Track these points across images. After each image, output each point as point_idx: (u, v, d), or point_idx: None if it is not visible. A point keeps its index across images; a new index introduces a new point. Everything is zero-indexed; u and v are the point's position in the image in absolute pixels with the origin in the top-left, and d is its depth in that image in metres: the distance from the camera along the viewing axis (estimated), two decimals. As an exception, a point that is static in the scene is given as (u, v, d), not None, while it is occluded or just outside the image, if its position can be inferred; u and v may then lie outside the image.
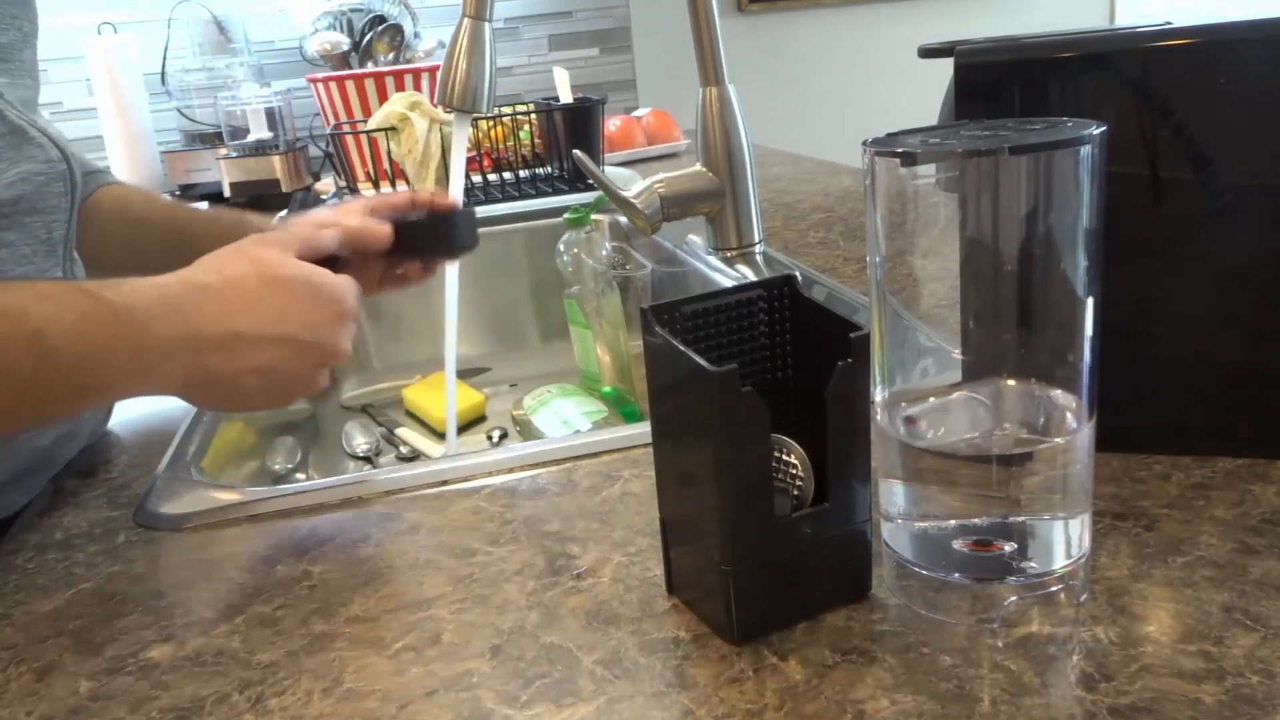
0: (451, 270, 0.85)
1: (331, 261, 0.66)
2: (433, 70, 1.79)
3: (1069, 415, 0.41)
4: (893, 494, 0.44)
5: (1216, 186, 0.50)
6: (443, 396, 1.11)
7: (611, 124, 1.81)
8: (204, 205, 1.30)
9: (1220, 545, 0.45)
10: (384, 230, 0.71)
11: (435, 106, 1.37)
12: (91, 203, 0.90)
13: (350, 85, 1.76)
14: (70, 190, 0.74)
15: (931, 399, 0.44)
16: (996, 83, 0.52)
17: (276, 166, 1.70)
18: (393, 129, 1.37)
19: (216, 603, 0.49)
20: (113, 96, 1.91)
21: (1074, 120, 0.40)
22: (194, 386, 0.58)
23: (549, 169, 1.56)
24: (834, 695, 0.38)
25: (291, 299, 0.59)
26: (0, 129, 0.67)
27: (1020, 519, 0.41)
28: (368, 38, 2.00)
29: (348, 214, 0.72)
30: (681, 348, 0.40)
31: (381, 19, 2.03)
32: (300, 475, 0.94)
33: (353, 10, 2.03)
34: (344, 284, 0.62)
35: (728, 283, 0.93)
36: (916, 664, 0.39)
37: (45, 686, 0.44)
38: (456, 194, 0.93)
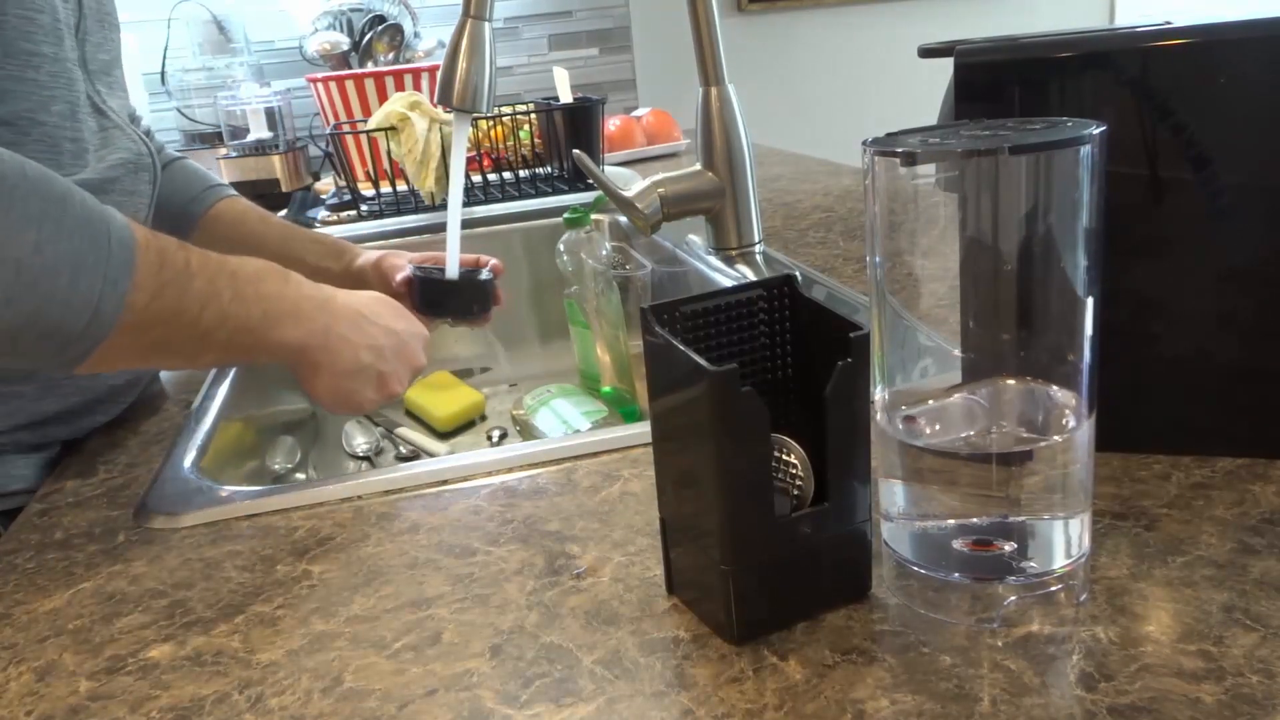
0: (456, 185, 0.94)
1: None
2: (433, 70, 1.79)
3: (1069, 415, 0.41)
4: (892, 494, 0.44)
5: (1216, 186, 0.50)
6: (443, 396, 1.12)
7: (611, 124, 1.81)
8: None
9: (1220, 545, 0.45)
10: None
11: (435, 106, 1.37)
12: (212, 214, 1.01)
13: (350, 85, 1.76)
14: (153, 180, 0.85)
15: (931, 399, 0.44)
16: (996, 83, 0.52)
17: (276, 166, 1.70)
18: (393, 129, 1.37)
19: (216, 603, 0.49)
20: (112, 96, 1.90)
21: (1074, 120, 0.40)
22: (327, 348, 0.70)
23: (549, 169, 1.56)
24: (834, 695, 0.38)
25: (394, 311, 0.78)
26: (105, 124, 0.80)
27: (1020, 519, 0.41)
28: (367, 37, 2.00)
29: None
30: (681, 347, 0.40)
31: (381, 19, 2.03)
32: (300, 475, 0.94)
33: (353, 10, 2.03)
34: (415, 319, 0.81)
35: (728, 283, 0.93)
36: (916, 664, 0.39)
37: (45, 686, 0.44)
38: (456, 194, 0.94)
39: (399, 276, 0.94)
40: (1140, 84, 0.50)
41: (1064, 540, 0.42)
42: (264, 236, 1.02)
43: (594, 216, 1.10)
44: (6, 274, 0.52)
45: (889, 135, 0.42)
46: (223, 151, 1.77)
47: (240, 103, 1.77)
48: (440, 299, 0.93)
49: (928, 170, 0.39)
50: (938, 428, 0.44)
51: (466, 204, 1.38)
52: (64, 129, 0.73)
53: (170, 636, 0.47)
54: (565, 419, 1.01)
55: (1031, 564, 0.41)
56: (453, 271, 0.94)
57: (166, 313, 0.60)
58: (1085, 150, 0.38)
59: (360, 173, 1.51)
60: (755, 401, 0.39)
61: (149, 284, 0.59)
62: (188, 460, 0.67)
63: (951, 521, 0.42)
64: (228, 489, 0.62)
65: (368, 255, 0.99)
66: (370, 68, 1.92)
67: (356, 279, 0.98)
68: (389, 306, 0.78)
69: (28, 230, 0.53)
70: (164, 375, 0.89)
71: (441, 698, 0.40)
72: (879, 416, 0.43)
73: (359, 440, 1.08)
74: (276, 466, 0.88)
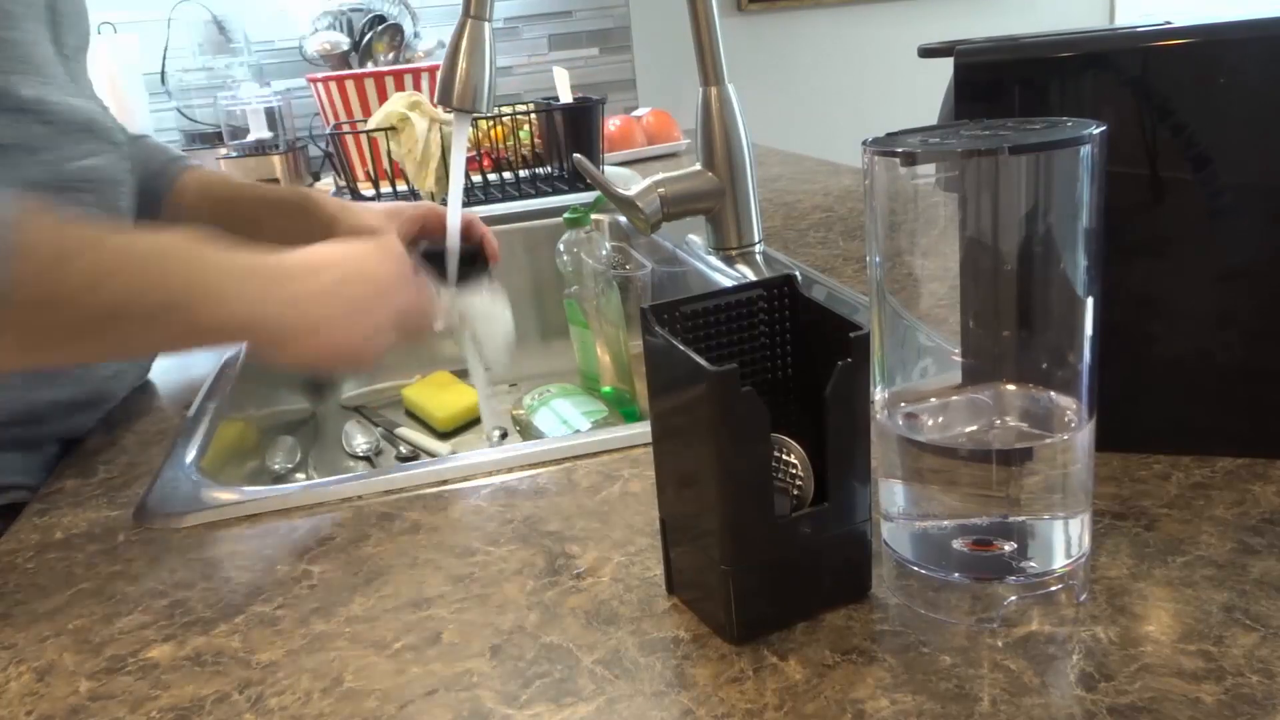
0: (456, 185, 0.92)
1: None
2: (433, 70, 1.79)
3: (1069, 415, 0.41)
4: (893, 493, 0.44)
5: (1216, 186, 0.50)
6: (443, 396, 1.12)
7: (611, 124, 1.81)
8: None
9: (1220, 545, 0.45)
10: None
11: (435, 106, 1.37)
12: (177, 188, 0.97)
13: (350, 85, 1.76)
14: (131, 170, 0.84)
15: (932, 398, 0.44)
16: (996, 83, 0.52)
17: (276, 166, 1.70)
18: (393, 129, 1.37)
19: (216, 603, 0.49)
20: (113, 96, 1.90)
21: (1074, 120, 0.40)
22: (294, 311, 0.62)
23: (549, 169, 1.56)
24: (834, 695, 0.38)
25: (375, 255, 0.68)
26: (73, 119, 0.77)
27: (1020, 518, 0.41)
28: (367, 37, 2.00)
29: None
30: (681, 347, 0.40)
31: (381, 19, 2.03)
32: (300, 475, 0.94)
33: (353, 10, 2.03)
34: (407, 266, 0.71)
35: (728, 282, 0.93)
36: (916, 664, 0.39)
37: (45, 686, 0.44)
38: (456, 194, 0.94)
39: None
40: (1140, 84, 0.50)
41: (1064, 540, 0.42)
42: (234, 201, 0.97)
43: (594, 216, 1.10)
44: None
45: (889, 135, 0.42)
46: (223, 151, 1.77)
47: (240, 103, 1.77)
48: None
49: (928, 170, 0.39)
50: (940, 421, 0.44)
51: (466, 204, 1.38)
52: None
53: (170, 636, 0.47)
54: (565, 419, 1.01)
55: (1031, 564, 0.41)
56: (452, 271, 0.94)
57: (49, 295, 0.53)
58: (1085, 150, 0.38)
59: (360, 173, 1.51)
60: (755, 401, 0.39)
61: (32, 259, 0.53)
62: (188, 460, 0.67)
63: (951, 521, 0.42)
64: (228, 489, 0.62)
65: (369, 221, 0.89)
66: (370, 68, 1.92)
67: (351, 230, 0.91)
68: (366, 253, 0.67)
69: None
70: (165, 373, 0.89)
71: (441, 698, 0.40)
72: (879, 416, 0.43)
73: (359, 440, 1.08)
74: (276, 466, 0.88)
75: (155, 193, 0.97)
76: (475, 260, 0.94)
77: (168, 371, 0.90)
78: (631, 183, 0.95)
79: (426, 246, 0.95)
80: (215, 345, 0.64)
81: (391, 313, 0.67)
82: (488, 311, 0.88)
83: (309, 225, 0.97)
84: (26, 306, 0.53)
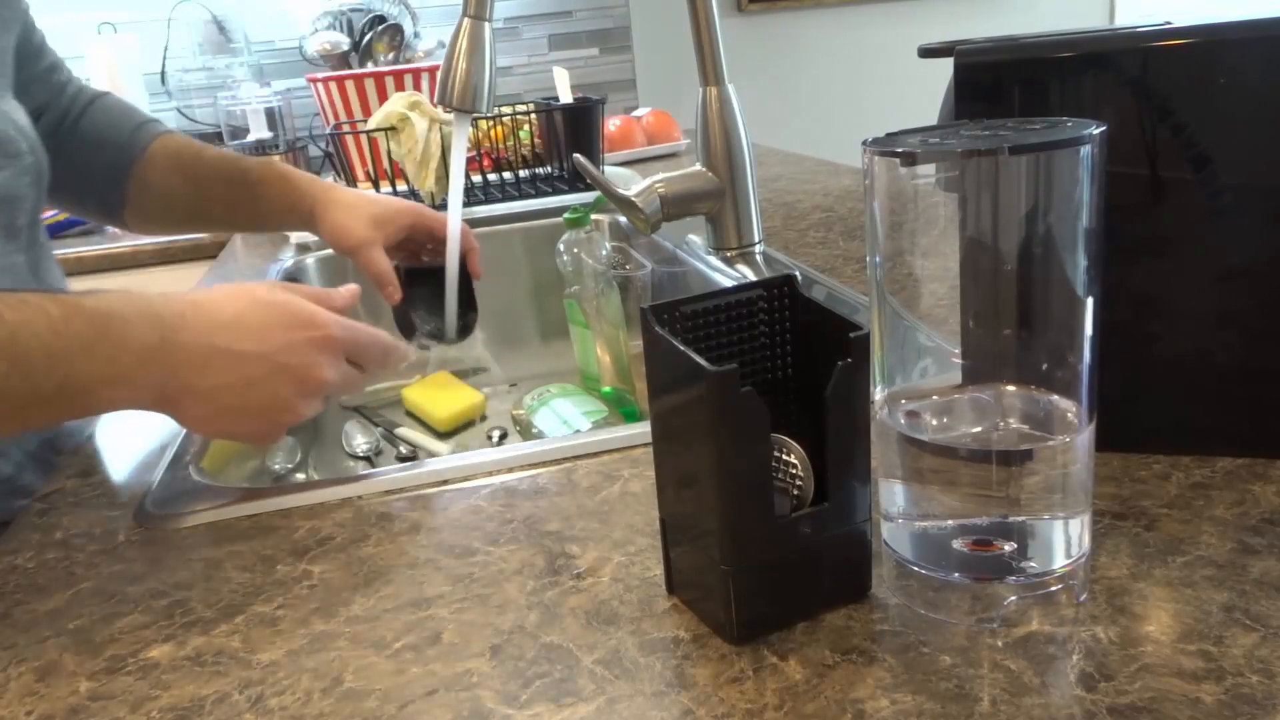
0: (456, 185, 0.93)
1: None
2: (433, 70, 1.79)
3: (1069, 415, 0.41)
4: (893, 493, 0.44)
5: (1216, 186, 0.50)
6: (443, 396, 1.12)
7: (611, 124, 1.81)
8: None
9: (1220, 545, 0.45)
10: (395, 296, 0.90)
11: (435, 106, 1.37)
12: (146, 159, 0.93)
13: (350, 85, 1.76)
14: (38, 180, 0.78)
15: (932, 398, 0.44)
16: (996, 83, 0.52)
17: (276, 166, 1.70)
18: (393, 129, 1.37)
19: (216, 603, 0.49)
20: (113, 96, 1.91)
21: (1074, 120, 0.40)
22: (174, 400, 0.59)
23: (549, 169, 1.56)
24: (834, 695, 0.38)
25: (270, 320, 0.61)
26: None
27: (1020, 519, 0.41)
28: (368, 37, 2.00)
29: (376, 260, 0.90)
30: (681, 347, 0.40)
31: (381, 19, 2.03)
32: (300, 475, 0.94)
33: (353, 10, 2.03)
34: (324, 315, 0.63)
35: (728, 283, 0.93)
36: (916, 664, 0.39)
37: (45, 686, 0.44)
38: (456, 194, 0.94)
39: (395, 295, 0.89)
40: (1140, 84, 0.50)
41: (1064, 540, 0.42)
42: (204, 182, 0.94)
43: (594, 216, 1.10)
44: None
45: (889, 135, 0.42)
46: (223, 151, 1.77)
47: (240, 103, 1.77)
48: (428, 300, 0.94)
49: (928, 170, 0.39)
50: (940, 421, 0.44)
51: (466, 204, 1.38)
52: None
53: (170, 636, 0.47)
54: (565, 419, 1.01)
55: (1031, 564, 0.41)
56: (453, 270, 0.94)
57: None
58: (1085, 150, 0.38)
59: (360, 173, 1.51)
60: (755, 401, 0.39)
61: None
62: (188, 460, 0.67)
63: (951, 521, 0.42)
64: (228, 489, 0.62)
65: (354, 232, 0.88)
66: (370, 68, 1.92)
67: (332, 235, 0.90)
68: (258, 314, 0.61)
69: None
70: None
71: (441, 698, 0.40)
72: (879, 416, 0.43)
73: (359, 440, 1.08)
74: (276, 466, 0.88)
75: (122, 164, 0.93)
76: (460, 274, 0.95)
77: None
78: (631, 183, 0.95)
79: (406, 265, 0.95)
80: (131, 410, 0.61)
81: (309, 390, 0.62)
82: (461, 352, 0.90)
83: (286, 209, 0.94)
84: None
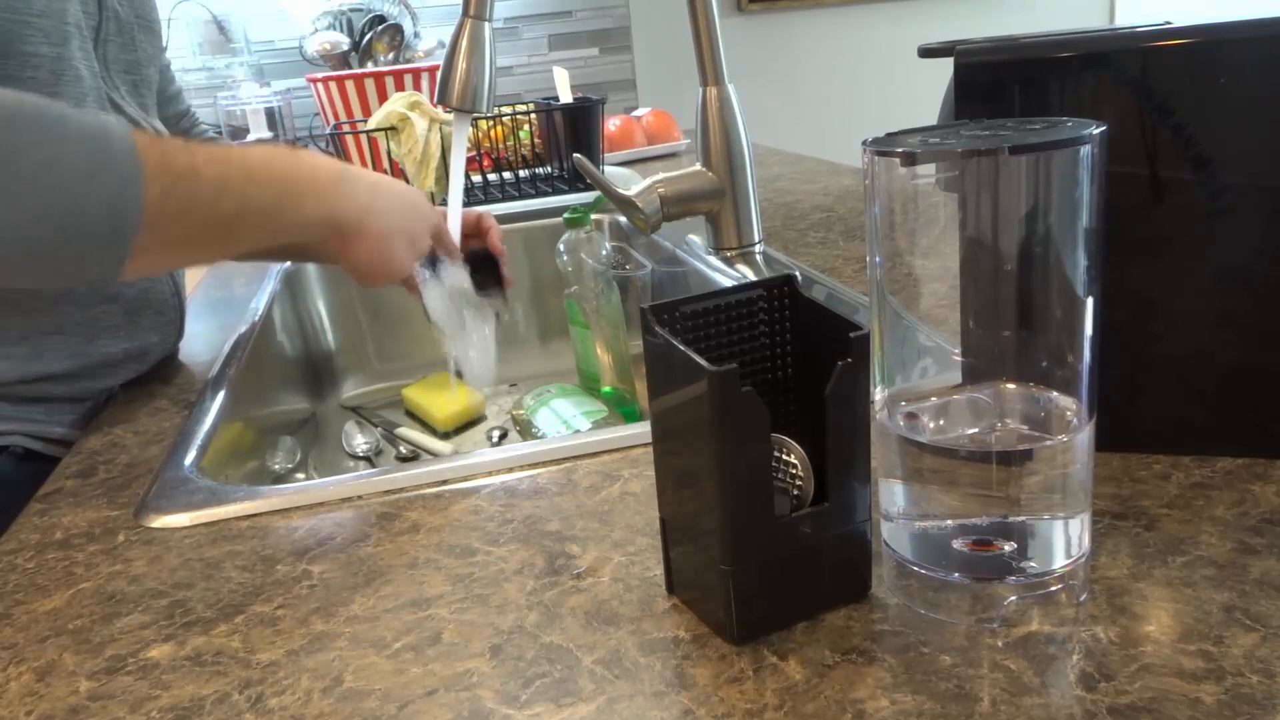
0: (456, 185, 0.99)
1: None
2: (433, 70, 1.79)
3: (1069, 415, 0.41)
4: (893, 493, 0.44)
5: (1216, 186, 0.50)
6: (442, 396, 1.12)
7: (611, 124, 1.81)
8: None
9: (1220, 545, 0.45)
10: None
11: (435, 106, 1.37)
12: None
13: (350, 85, 1.76)
14: None
15: (932, 398, 0.44)
16: (996, 83, 0.52)
17: (276, 166, 1.70)
18: (393, 129, 1.37)
19: (216, 603, 0.49)
20: (113, 96, 1.91)
21: (1074, 120, 0.40)
22: (356, 221, 0.75)
23: (549, 169, 1.56)
24: (834, 695, 0.38)
25: (404, 188, 0.82)
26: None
27: (1020, 518, 0.41)
28: (367, 37, 2.00)
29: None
30: (681, 347, 0.40)
31: (381, 19, 2.03)
32: (300, 475, 0.94)
33: (353, 10, 2.04)
34: (435, 208, 0.87)
35: (728, 283, 0.93)
36: (916, 664, 0.39)
37: (45, 686, 0.44)
38: (456, 194, 0.94)
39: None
40: (1140, 84, 0.50)
41: (1064, 540, 0.42)
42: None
43: (594, 216, 1.10)
44: (30, 191, 0.56)
45: (889, 135, 0.42)
46: (223, 151, 1.77)
47: (240, 103, 1.77)
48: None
49: (928, 170, 0.39)
50: (941, 423, 0.44)
51: (466, 204, 1.38)
52: None
53: (170, 636, 0.47)
54: (565, 419, 1.01)
55: (1031, 564, 0.41)
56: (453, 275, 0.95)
57: (184, 206, 0.63)
58: (1085, 150, 0.38)
59: (360, 173, 1.51)
60: (755, 401, 0.39)
61: (159, 180, 0.61)
62: (188, 460, 0.67)
63: (951, 521, 0.42)
64: (228, 489, 0.62)
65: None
66: (370, 68, 1.92)
67: None
68: (393, 179, 0.82)
69: (40, 149, 0.57)
70: (162, 369, 0.89)
71: (441, 698, 0.40)
72: (879, 416, 0.43)
73: (359, 440, 1.08)
74: (276, 466, 0.88)
75: None
76: (487, 259, 0.97)
77: (169, 371, 0.90)
78: (631, 183, 0.95)
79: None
80: (302, 239, 0.74)
81: (424, 237, 0.83)
82: (473, 336, 0.92)
83: None
84: (160, 221, 0.61)
